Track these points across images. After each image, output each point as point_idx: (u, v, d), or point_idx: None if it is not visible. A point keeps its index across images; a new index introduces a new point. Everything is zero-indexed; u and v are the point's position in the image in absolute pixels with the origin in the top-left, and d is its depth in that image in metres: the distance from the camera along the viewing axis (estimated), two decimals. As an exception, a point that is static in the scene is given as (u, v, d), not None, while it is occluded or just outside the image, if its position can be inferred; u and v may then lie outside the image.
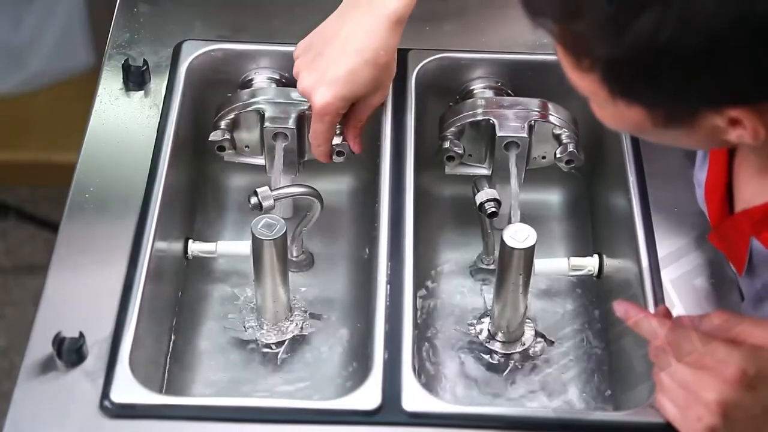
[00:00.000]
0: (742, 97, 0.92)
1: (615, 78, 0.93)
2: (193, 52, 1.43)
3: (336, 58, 1.26)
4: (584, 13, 0.91)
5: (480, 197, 1.32)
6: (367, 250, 1.39)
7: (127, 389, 1.13)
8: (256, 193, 1.30)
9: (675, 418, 1.04)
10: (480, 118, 1.37)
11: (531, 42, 1.47)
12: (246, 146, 1.41)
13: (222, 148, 1.38)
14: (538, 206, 1.49)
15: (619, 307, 1.09)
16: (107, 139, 1.35)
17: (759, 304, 1.17)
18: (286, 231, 1.25)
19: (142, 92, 1.40)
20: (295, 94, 1.38)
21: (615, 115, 0.99)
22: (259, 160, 1.41)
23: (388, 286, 1.22)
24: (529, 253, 1.24)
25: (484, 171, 1.41)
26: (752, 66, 0.89)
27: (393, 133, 1.36)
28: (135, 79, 1.40)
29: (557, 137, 1.38)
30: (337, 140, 1.37)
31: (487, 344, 1.34)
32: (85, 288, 1.21)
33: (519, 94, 1.43)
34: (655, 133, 1.00)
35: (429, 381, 1.31)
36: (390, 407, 1.13)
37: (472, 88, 1.44)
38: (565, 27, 0.94)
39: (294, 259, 1.41)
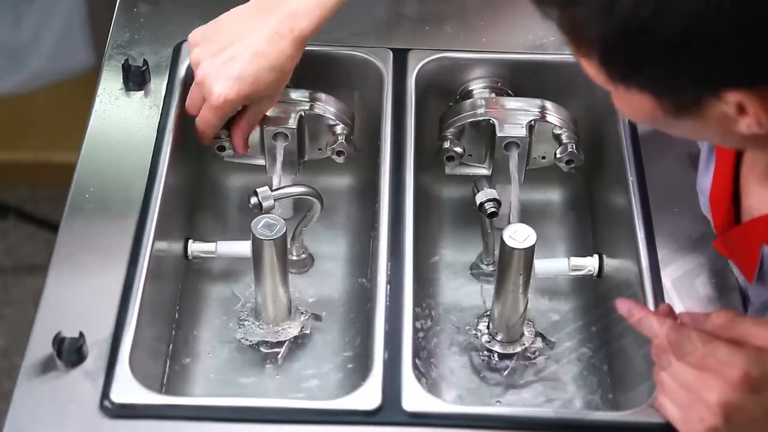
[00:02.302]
0: (732, 80, 0.92)
1: (609, 61, 0.94)
2: (193, 52, 1.43)
3: (243, 57, 1.28)
4: None
5: (480, 197, 1.32)
6: (367, 251, 1.39)
7: (127, 389, 1.13)
8: (256, 193, 1.30)
9: (676, 419, 1.04)
10: (480, 118, 1.37)
11: (531, 42, 1.47)
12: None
13: (222, 148, 1.38)
14: (538, 206, 1.49)
15: (622, 305, 1.09)
16: (107, 139, 1.35)
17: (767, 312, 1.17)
18: (286, 231, 1.25)
19: (142, 92, 1.40)
20: (294, 94, 1.38)
21: (627, 103, 0.99)
22: (259, 160, 1.41)
23: (388, 286, 1.22)
24: (529, 253, 1.24)
25: (484, 171, 1.41)
26: (729, 50, 0.88)
27: (393, 133, 1.36)
28: (135, 79, 1.40)
29: (557, 137, 1.38)
30: (336, 140, 1.37)
31: (487, 344, 1.34)
32: (85, 288, 1.21)
33: (519, 94, 1.43)
34: (668, 123, 0.99)
35: (429, 381, 1.31)
36: (390, 407, 1.13)
37: (472, 88, 1.44)
38: (564, 12, 0.94)
39: (294, 259, 1.41)
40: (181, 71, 1.41)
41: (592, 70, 0.97)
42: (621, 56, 0.93)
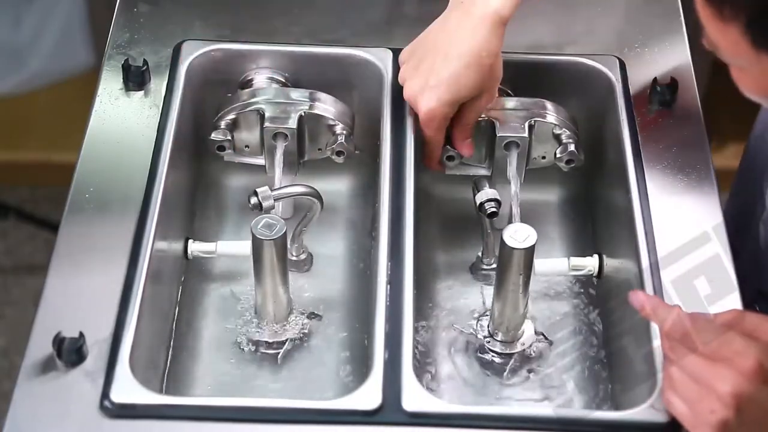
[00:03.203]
0: None
1: (760, 26, 0.89)
2: (193, 52, 1.43)
3: (438, 64, 1.26)
4: None
5: (480, 197, 1.32)
6: (367, 251, 1.39)
7: (127, 389, 1.13)
8: (256, 193, 1.30)
9: (684, 414, 1.03)
10: (480, 118, 1.37)
11: (531, 42, 1.47)
12: (246, 146, 1.40)
13: (222, 148, 1.38)
14: (538, 206, 1.49)
15: (635, 298, 1.09)
16: (107, 139, 1.35)
17: None
18: (286, 231, 1.25)
19: (142, 92, 1.40)
20: (294, 94, 1.38)
21: (759, 77, 0.95)
22: (259, 160, 1.41)
23: (388, 286, 1.22)
24: (529, 253, 1.24)
25: (484, 171, 1.41)
26: None
27: (393, 133, 1.35)
28: (135, 79, 1.40)
29: (557, 137, 1.38)
30: (336, 140, 1.37)
31: (487, 344, 1.34)
32: (85, 288, 1.21)
33: (519, 94, 1.43)
34: None
35: (429, 381, 1.31)
36: (390, 407, 1.13)
37: (472, 88, 1.44)
38: None
39: (294, 259, 1.41)
40: (181, 71, 1.41)
41: (729, 37, 0.92)
42: None
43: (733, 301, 1.21)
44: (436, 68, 1.26)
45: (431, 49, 1.27)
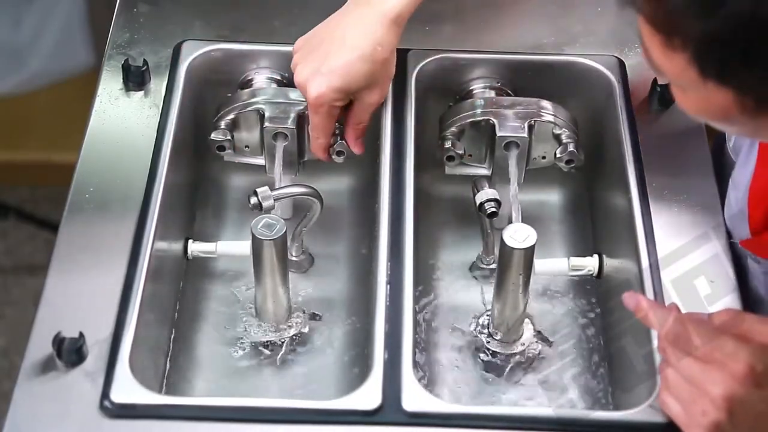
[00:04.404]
0: None
1: (708, 57, 0.90)
2: (193, 52, 1.43)
3: (332, 52, 1.27)
4: None
5: (480, 197, 1.32)
6: (367, 251, 1.39)
7: (127, 389, 1.13)
8: (256, 193, 1.30)
9: (678, 415, 1.04)
10: (480, 118, 1.37)
11: (531, 42, 1.47)
12: (246, 146, 1.40)
13: (222, 148, 1.38)
14: (538, 206, 1.49)
15: (629, 299, 1.09)
16: (107, 139, 1.36)
17: None
18: (286, 231, 1.25)
19: (142, 92, 1.40)
20: (294, 94, 1.38)
21: (701, 100, 0.95)
22: (259, 160, 1.41)
23: (388, 286, 1.22)
24: (529, 253, 1.24)
25: (484, 171, 1.41)
26: None
27: (393, 133, 1.36)
28: (135, 79, 1.40)
29: (557, 137, 1.38)
30: (336, 140, 1.37)
31: (486, 344, 1.34)
32: (85, 288, 1.21)
33: (519, 94, 1.43)
34: (740, 121, 0.95)
35: (429, 381, 1.31)
36: (390, 407, 1.13)
37: (471, 88, 1.44)
38: (657, 2, 0.91)
39: (294, 259, 1.41)
40: (181, 71, 1.41)
41: (676, 64, 0.92)
42: (724, 53, 0.89)
43: (733, 301, 1.22)
44: (330, 56, 1.27)
45: (326, 38, 1.28)
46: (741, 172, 1.21)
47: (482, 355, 1.34)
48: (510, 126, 1.36)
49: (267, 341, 1.34)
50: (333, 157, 1.39)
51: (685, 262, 1.24)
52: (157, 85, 1.40)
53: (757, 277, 1.24)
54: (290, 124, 1.37)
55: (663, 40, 0.92)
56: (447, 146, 1.37)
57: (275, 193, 1.31)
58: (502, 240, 1.23)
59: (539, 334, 1.35)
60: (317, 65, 1.27)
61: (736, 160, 1.24)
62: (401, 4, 1.26)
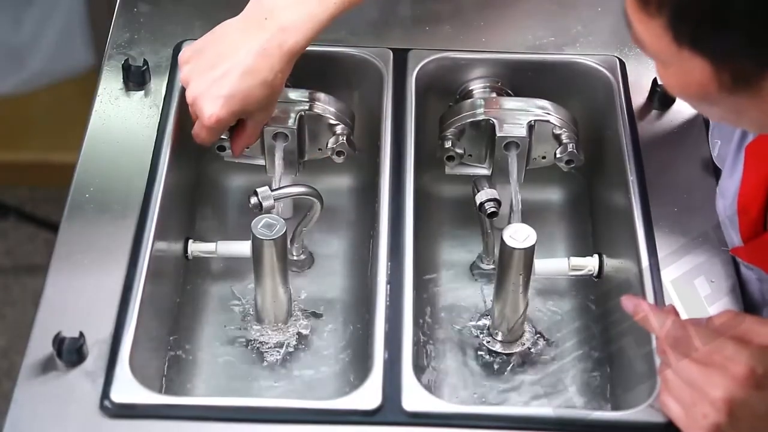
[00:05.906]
0: None
1: (683, 20, 0.90)
2: (193, 52, 1.43)
3: (231, 74, 1.26)
4: None
5: (480, 197, 1.32)
6: (367, 251, 1.39)
7: (127, 389, 1.13)
8: (256, 193, 1.30)
9: (679, 417, 1.04)
10: (480, 118, 1.37)
11: (531, 42, 1.47)
12: (246, 146, 1.40)
13: (222, 148, 1.38)
14: (538, 206, 1.49)
15: (628, 302, 1.09)
16: (107, 139, 1.36)
17: None
18: (286, 231, 1.25)
19: (142, 92, 1.40)
20: (294, 94, 1.38)
21: (681, 74, 0.95)
22: (259, 160, 1.41)
23: (388, 286, 1.22)
24: (529, 253, 1.24)
25: (484, 171, 1.41)
26: None
27: (393, 133, 1.36)
28: (135, 79, 1.40)
29: (557, 137, 1.38)
30: (336, 140, 1.37)
31: (486, 344, 1.34)
32: (85, 288, 1.21)
33: (519, 94, 1.43)
34: (717, 99, 0.95)
35: (429, 381, 1.31)
36: (390, 407, 1.13)
37: (472, 88, 1.45)
38: None
39: (294, 259, 1.41)
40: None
41: (652, 32, 0.93)
42: (698, 16, 0.89)
43: (732, 301, 1.22)
44: (229, 78, 1.26)
45: (224, 55, 1.28)
46: (728, 180, 1.21)
47: (482, 355, 1.34)
48: (510, 126, 1.36)
49: (267, 341, 1.34)
50: (333, 157, 1.39)
51: (685, 262, 1.24)
52: (157, 85, 1.40)
53: (752, 283, 1.24)
54: (290, 124, 1.37)
55: (641, 6, 0.93)
56: (447, 146, 1.37)
57: (275, 193, 1.31)
58: (502, 240, 1.23)
59: (539, 334, 1.35)
60: (216, 85, 1.26)
61: (722, 168, 1.24)
62: (302, 41, 1.27)
